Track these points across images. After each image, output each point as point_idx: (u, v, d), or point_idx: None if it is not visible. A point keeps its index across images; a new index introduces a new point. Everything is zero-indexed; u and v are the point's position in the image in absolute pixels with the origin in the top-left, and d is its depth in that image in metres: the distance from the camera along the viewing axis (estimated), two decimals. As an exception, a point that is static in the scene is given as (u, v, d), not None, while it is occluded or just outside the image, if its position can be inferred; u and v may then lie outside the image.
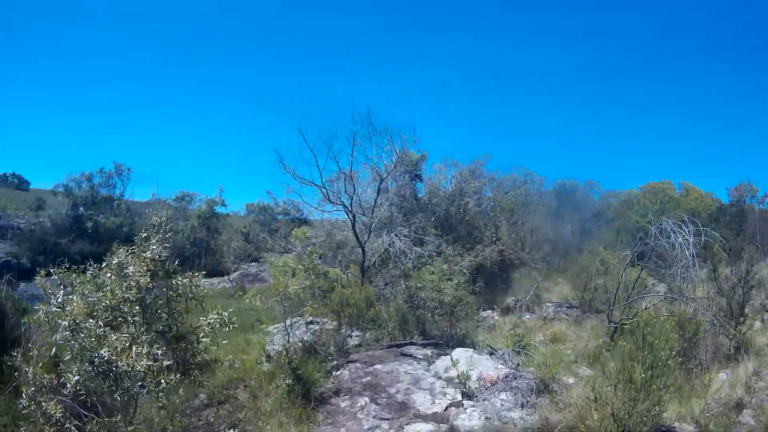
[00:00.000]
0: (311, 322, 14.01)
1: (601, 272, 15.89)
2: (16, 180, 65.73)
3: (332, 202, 16.75)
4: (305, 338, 12.29)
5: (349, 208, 16.34)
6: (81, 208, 35.43)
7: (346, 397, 9.70)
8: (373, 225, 16.88)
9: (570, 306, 17.57)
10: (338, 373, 10.85)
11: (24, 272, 23.90)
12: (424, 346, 12.29)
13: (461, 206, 21.49)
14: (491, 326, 15.63)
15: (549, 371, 9.88)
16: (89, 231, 34.69)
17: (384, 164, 17.78)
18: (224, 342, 13.07)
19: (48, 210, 37.19)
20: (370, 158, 17.76)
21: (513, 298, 18.91)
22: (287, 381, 9.57)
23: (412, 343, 12.38)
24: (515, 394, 9.44)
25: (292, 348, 11.46)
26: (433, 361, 11.27)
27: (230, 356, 11.96)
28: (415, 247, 16.15)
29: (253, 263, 31.26)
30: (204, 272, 26.40)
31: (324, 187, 16.40)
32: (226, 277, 28.60)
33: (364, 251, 15.95)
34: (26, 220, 37.36)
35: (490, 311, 17.91)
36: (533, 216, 26.32)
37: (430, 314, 13.27)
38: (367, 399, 9.52)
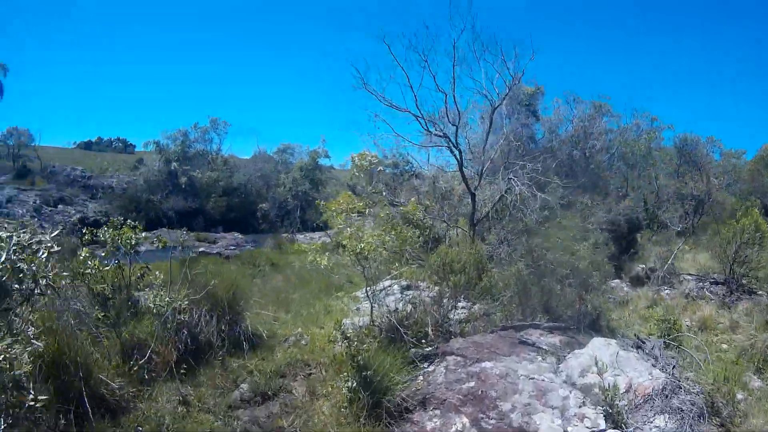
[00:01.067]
0: (408, 287, 11.51)
1: (755, 241, 13.22)
2: (120, 144, 71.25)
3: (431, 133, 13.34)
4: (398, 307, 9.58)
5: (454, 143, 13.03)
6: (174, 164, 35.55)
7: (436, 411, 6.52)
8: (485, 168, 13.53)
9: (714, 282, 14.30)
10: (430, 368, 7.74)
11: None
12: (550, 330, 9.13)
13: (586, 150, 17.89)
14: (622, 301, 13.06)
15: (726, 386, 7.12)
16: (183, 186, 34.77)
17: (495, 89, 13.99)
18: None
19: (141, 168, 37.94)
20: (478, 81, 14.03)
21: (642, 265, 16.11)
22: (349, 383, 6.61)
23: (534, 326, 9.23)
24: (679, 419, 6.37)
25: (377, 322, 8.99)
26: (563, 356, 8.05)
27: (299, 329, 9.64)
28: (539, 193, 12.66)
29: (359, 216, 30.00)
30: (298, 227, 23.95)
31: (421, 117, 13.08)
32: (328, 230, 27.14)
33: (474, 199, 13.29)
34: (119, 179, 37.69)
35: (618, 280, 15.02)
36: (656, 171, 22.94)
37: (558, 285, 10.15)
38: (466, 420, 6.25)
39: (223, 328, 8.38)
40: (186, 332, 7.89)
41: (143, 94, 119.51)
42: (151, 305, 7.59)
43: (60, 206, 33.12)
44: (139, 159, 44.15)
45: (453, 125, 13.15)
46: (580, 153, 18.46)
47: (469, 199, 13.47)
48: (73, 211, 32.01)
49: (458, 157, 13.35)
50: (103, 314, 7.27)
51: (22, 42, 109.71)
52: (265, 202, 35.11)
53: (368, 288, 9.42)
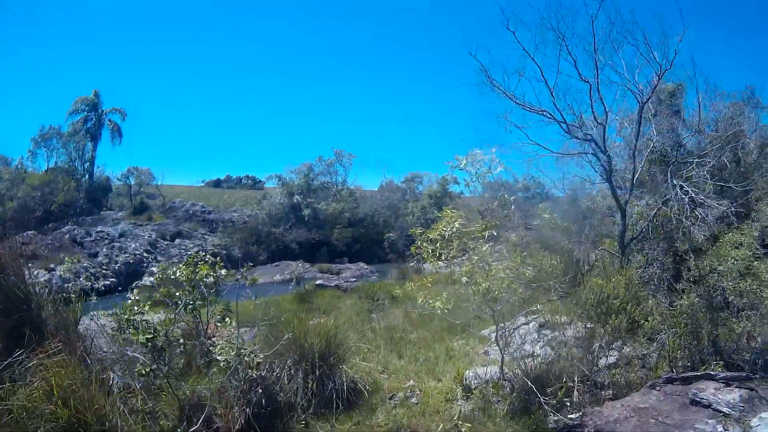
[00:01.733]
0: (545, 325, 9.49)
1: None
2: (249, 181, 74.50)
3: (571, 136, 11.23)
4: (534, 351, 7.94)
5: (602, 147, 10.78)
6: (296, 197, 35.96)
7: None
8: (636, 178, 11.29)
9: None
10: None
11: (234, 262, 24.28)
12: (727, 382, 6.84)
13: (738, 151, 15.11)
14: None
15: None
16: (307, 218, 34.93)
17: (638, 84, 11.78)
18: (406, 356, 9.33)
19: (263, 201, 38.92)
20: (620, 73, 11.75)
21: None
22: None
23: (707, 376, 7.01)
24: None
25: (508, 375, 7.24)
26: (748, 422, 5.94)
27: (411, 381, 8.05)
28: (712, 201, 10.32)
29: (487, 241, 29.81)
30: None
31: (563, 120, 11.10)
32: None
33: (624, 215, 11.06)
34: (240, 213, 38.92)
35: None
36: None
37: (735, 320, 7.75)
38: None
39: (310, 384, 6.78)
40: (261, 390, 6.33)
41: (269, 131, 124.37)
42: (218, 357, 6.15)
43: (177, 240, 33.70)
44: (266, 194, 44.60)
45: (600, 124, 10.96)
46: (730, 155, 15.62)
47: (618, 217, 11.42)
48: (191, 245, 32.36)
49: (606, 164, 11.11)
50: (149, 369, 5.93)
51: (154, 90, 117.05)
52: (392, 232, 34.77)
53: (498, 331, 7.60)
